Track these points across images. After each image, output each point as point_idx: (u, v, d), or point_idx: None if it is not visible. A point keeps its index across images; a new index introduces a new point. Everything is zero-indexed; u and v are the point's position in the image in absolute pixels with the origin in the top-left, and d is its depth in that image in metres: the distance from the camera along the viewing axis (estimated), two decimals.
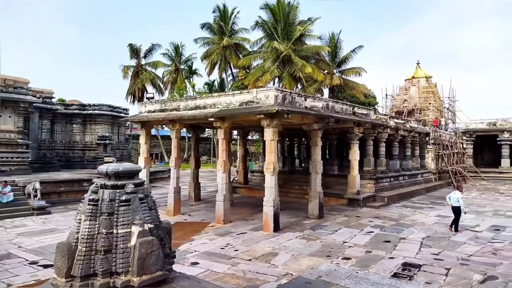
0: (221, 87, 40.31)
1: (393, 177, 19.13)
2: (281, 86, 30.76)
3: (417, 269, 7.72)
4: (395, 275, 7.34)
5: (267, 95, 10.73)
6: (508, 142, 30.22)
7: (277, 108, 9.94)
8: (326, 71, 35.66)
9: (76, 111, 24.43)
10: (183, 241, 9.88)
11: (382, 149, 18.67)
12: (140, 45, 43.38)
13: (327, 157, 19.89)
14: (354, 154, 15.48)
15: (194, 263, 8.00)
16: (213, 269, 7.63)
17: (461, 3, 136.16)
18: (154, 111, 13.91)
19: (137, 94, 42.02)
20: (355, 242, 9.95)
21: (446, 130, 29.73)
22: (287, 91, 11.53)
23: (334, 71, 36.31)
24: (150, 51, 43.82)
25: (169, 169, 15.71)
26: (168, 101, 13.62)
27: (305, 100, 12.01)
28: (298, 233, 10.86)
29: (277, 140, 11.18)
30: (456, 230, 11.48)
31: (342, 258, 8.46)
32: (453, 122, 32.35)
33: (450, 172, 25.11)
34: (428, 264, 8.10)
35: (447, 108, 31.85)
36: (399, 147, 20.68)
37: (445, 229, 11.63)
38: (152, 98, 13.20)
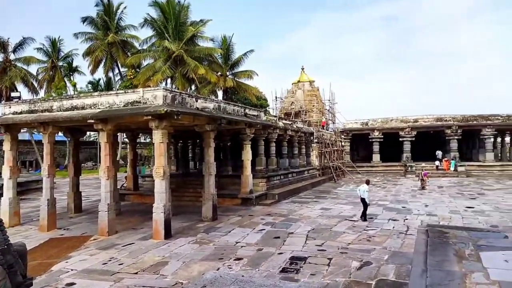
0: (108, 87, 37.41)
1: (283, 175, 20.14)
2: (173, 87, 29.92)
3: (303, 262, 8.12)
4: (283, 270, 7.59)
5: (155, 95, 10.15)
6: (378, 140, 34.67)
7: (165, 109, 9.46)
8: (219, 73, 35.98)
9: None
10: (57, 259, 8.69)
11: (273, 149, 19.52)
12: (8, 38, 37.52)
13: (222, 158, 19.96)
14: (247, 154, 15.79)
15: (70, 284, 7.07)
16: None
17: (337, 18, 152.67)
18: (21, 113, 12.02)
19: (4, 93, 36.25)
20: (247, 241, 10.06)
21: (328, 130, 32.68)
22: (176, 92, 11.11)
23: (228, 73, 36.86)
24: (21, 45, 38.10)
25: None
26: (39, 101, 11.91)
27: (196, 101, 11.75)
28: (191, 238, 10.54)
29: (170, 143, 10.71)
30: (365, 219, 12.47)
31: (235, 259, 8.44)
32: (333, 123, 35.77)
33: (331, 167, 27.64)
34: (313, 255, 8.60)
35: (328, 110, 35.07)
36: (287, 146, 21.90)
37: (327, 221, 12.60)
38: (19, 97, 11.34)
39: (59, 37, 40.18)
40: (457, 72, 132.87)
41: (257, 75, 35.94)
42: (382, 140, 34.54)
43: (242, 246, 9.59)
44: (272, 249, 9.24)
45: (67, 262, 8.51)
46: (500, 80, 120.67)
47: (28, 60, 38.51)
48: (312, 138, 26.70)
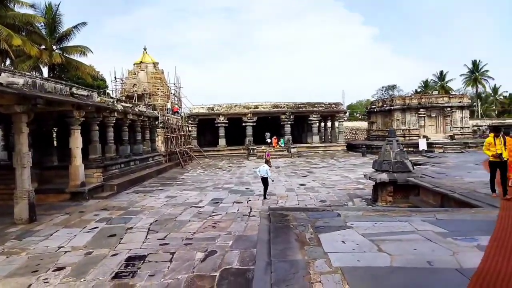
0: None
1: (123, 163, 18.28)
2: None
3: (142, 261, 7.12)
4: (116, 276, 6.44)
5: None
6: (223, 124, 35.53)
7: None
8: (43, 47, 30.45)
9: None
10: None
11: (111, 135, 17.39)
12: None
13: (45, 146, 16.67)
14: (76, 141, 13.47)
15: None
16: None
17: (181, 1, 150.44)
18: None
19: None
20: (74, 245, 8.38)
21: (174, 115, 31.61)
22: None
23: (54, 47, 31.57)
24: None
25: None
26: None
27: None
28: None
29: None
30: (265, 198, 13.02)
31: (54, 270, 6.79)
32: (180, 107, 34.88)
33: (178, 153, 26.84)
34: (154, 252, 7.68)
35: (174, 94, 33.94)
36: (129, 132, 19.98)
37: (172, 210, 11.81)
38: None
39: None
40: (291, 62, 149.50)
41: (92, 52, 32.01)
42: (227, 125, 35.56)
43: (66, 252, 7.90)
44: (104, 250, 7.88)
45: None
46: (325, 71, 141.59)
47: None
48: (157, 123, 25.23)
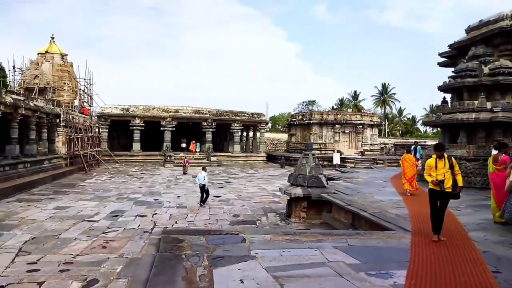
0: None
1: (8, 166, 15.50)
2: None
3: None
4: None
5: None
6: (139, 128, 33.16)
7: None
8: None
9: None
10: None
11: None
12: None
13: None
14: None
15: None
16: None
17: None
18: None
19: None
20: None
21: (82, 113, 28.52)
22: None
23: None
24: None
25: None
26: None
27: None
28: None
29: None
30: (202, 204, 13.03)
31: None
32: (90, 106, 31.71)
33: (81, 156, 24.04)
34: (16, 282, 6.05)
35: (83, 90, 30.76)
36: (20, 129, 17.11)
37: (58, 225, 9.99)
38: None
39: None
40: (214, 69, 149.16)
41: None
42: (143, 128, 33.27)
43: None
44: None
45: None
46: (250, 82, 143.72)
47: None
48: (58, 121, 22.27)
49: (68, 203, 13.19)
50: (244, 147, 40.12)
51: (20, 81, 28.09)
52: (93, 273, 6.54)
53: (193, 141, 36.35)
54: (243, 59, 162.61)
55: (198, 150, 35.94)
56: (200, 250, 4.19)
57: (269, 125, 62.35)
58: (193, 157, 32.53)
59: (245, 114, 37.18)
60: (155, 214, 11.86)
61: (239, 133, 37.32)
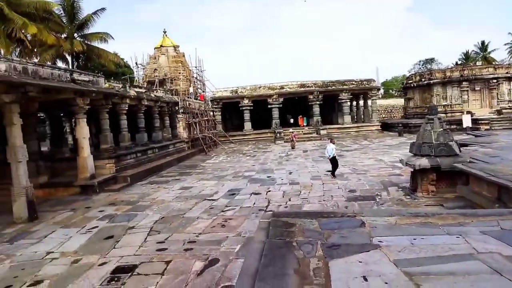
0: None
1: (140, 152, 17.44)
2: None
3: (130, 274, 6.02)
4: None
5: None
6: (248, 107, 34.15)
7: None
8: (64, 35, 30.09)
9: None
10: None
11: (124, 122, 16.49)
12: None
13: (54, 137, 16.13)
14: (82, 131, 12.63)
15: None
16: None
17: None
18: None
19: None
20: (64, 249, 7.46)
21: (197, 99, 30.56)
22: None
23: (75, 35, 31.15)
24: None
25: None
26: None
27: None
28: None
29: None
30: (333, 176, 13.11)
31: (29, 285, 5.86)
32: (203, 91, 33.79)
33: (200, 139, 25.84)
34: (147, 260, 6.56)
35: (196, 78, 32.82)
36: (146, 119, 19.07)
37: (183, 204, 10.71)
38: None
39: None
40: (315, 41, 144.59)
41: (113, 38, 31.43)
42: (252, 108, 34.15)
43: (53, 259, 6.97)
44: (94, 258, 6.87)
45: None
46: (356, 48, 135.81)
47: None
48: (177, 108, 24.23)
49: (191, 183, 14.17)
50: (355, 117, 38.06)
51: (143, 75, 31.40)
52: (213, 252, 6.71)
53: (300, 116, 36.04)
54: (345, 26, 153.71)
55: (305, 124, 35.54)
56: (313, 236, 3.72)
57: (381, 91, 57.98)
58: (301, 131, 32.20)
59: (353, 82, 35.02)
60: (269, 191, 11.87)
61: (348, 103, 35.45)
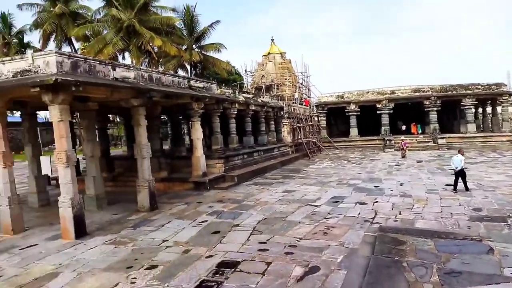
0: None
1: (246, 154, 18.19)
2: (132, 61, 27.26)
3: (233, 269, 6.24)
4: (201, 285, 5.70)
5: (46, 62, 7.88)
6: (354, 113, 32.90)
7: (55, 78, 7.24)
8: (184, 47, 33.28)
9: None
10: None
11: (233, 126, 17.46)
12: None
13: (174, 137, 17.87)
14: (196, 133, 13.73)
15: None
16: None
17: None
18: None
19: None
20: (177, 239, 8.14)
21: (302, 104, 30.66)
22: (79, 57, 8.79)
23: (194, 46, 34.20)
24: None
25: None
26: None
27: (114, 69, 9.51)
28: (110, 236, 8.55)
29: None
30: (467, 189, 11.95)
31: (147, 268, 6.52)
32: (308, 97, 33.74)
33: (304, 144, 25.80)
34: (249, 259, 6.72)
35: (301, 83, 32.95)
36: (252, 123, 19.86)
37: (285, 207, 10.77)
38: None
39: (8, 10, 36.55)
40: (431, 43, 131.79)
41: (226, 48, 33.55)
42: (359, 113, 32.78)
43: (167, 247, 7.67)
44: (202, 249, 7.34)
45: None
46: (479, 49, 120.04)
47: None
48: (282, 113, 24.66)
49: (294, 187, 14.19)
50: (481, 126, 33.50)
51: (251, 81, 32.84)
52: (314, 259, 6.54)
53: (413, 123, 33.30)
54: (464, 25, 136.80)
55: (419, 132, 32.71)
56: (428, 258, 3.29)
57: None
58: (415, 140, 29.69)
59: (479, 87, 30.93)
60: (376, 202, 11.15)
61: (473, 110, 31.37)
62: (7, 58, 8.51)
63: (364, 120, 33.19)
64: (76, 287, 5.85)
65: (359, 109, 32.66)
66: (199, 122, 13.74)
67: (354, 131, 32.94)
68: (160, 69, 28.05)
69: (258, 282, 5.70)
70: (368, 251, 3.50)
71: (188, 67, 36.00)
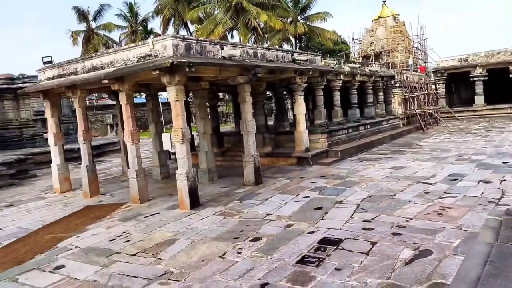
0: None
1: (351, 128, 17.48)
2: (240, 39, 28.23)
3: (335, 247, 6.17)
4: (301, 260, 5.78)
5: (164, 45, 8.63)
6: (481, 78, 28.67)
7: (170, 61, 7.90)
8: (289, 20, 33.00)
9: (5, 86, 21.81)
10: (72, 233, 8.18)
11: (337, 99, 16.84)
12: (88, 7, 39.60)
13: (278, 112, 18.10)
14: (299, 107, 13.66)
15: (58, 267, 6.33)
16: (75, 275, 5.96)
17: None
18: (53, 78, 11.69)
19: None
20: (280, 213, 8.38)
21: (416, 71, 27.88)
22: (192, 39, 9.40)
23: (299, 18, 33.68)
24: (99, 12, 40.07)
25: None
26: (65, 64, 11.34)
27: (222, 48, 9.92)
28: (220, 208, 9.24)
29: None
30: None
31: (251, 240, 6.88)
32: (425, 62, 30.45)
33: (417, 115, 23.59)
34: (352, 237, 6.56)
35: (417, 47, 29.80)
36: (358, 94, 18.87)
37: (393, 185, 10.14)
38: (50, 62, 10.87)
39: (134, 1, 41.00)
40: None
41: (332, 16, 32.24)
42: (486, 78, 28.37)
43: (270, 220, 7.96)
44: (304, 225, 7.43)
45: (78, 237, 7.92)
46: None
47: (107, 27, 40.33)
48: (393, 82, 22.83)
49: (404, 163, 13.23)
50: None
51: (358, 50, 31.02)
52: (426, 242, 6.05)
53: None
54: None
55: None
56: None
57: None
58: None
59: None
60: (504, 180, 9.70)
61: None
62: (132, 44, 9.60)
63: (492, 87, 28.67)
64: (190, 253, 6.48)
65: (486, 73, 28.27)
66: (302, 97, 13.62)
67: (479, 99, 28.77)
68: (265, 45, 28.46)
69: (361, 262, 5.54)
70: (491, 237, 3.06)
71: (293, 40, 35.76)
